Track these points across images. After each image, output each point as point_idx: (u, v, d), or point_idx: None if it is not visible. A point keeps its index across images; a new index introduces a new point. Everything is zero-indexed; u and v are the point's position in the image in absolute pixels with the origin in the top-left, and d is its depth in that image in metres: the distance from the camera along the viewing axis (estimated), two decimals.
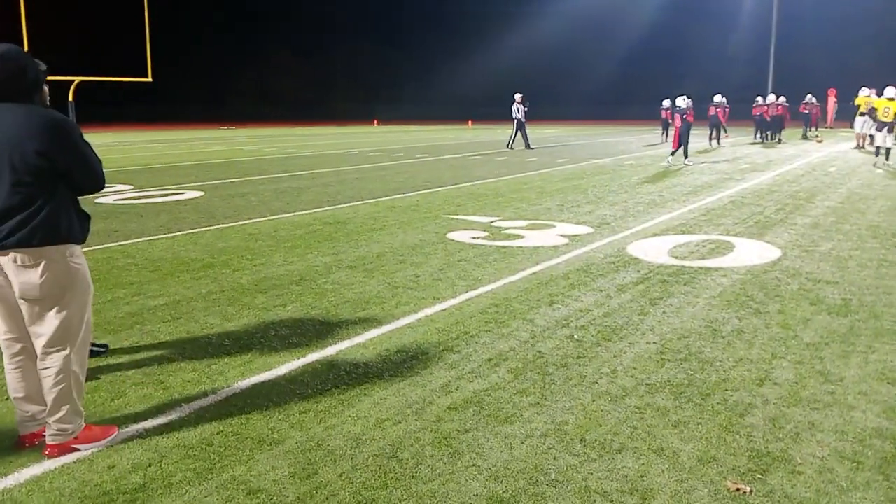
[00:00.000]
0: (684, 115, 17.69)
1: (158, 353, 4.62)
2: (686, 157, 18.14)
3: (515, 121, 25.18)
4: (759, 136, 28.65)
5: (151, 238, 8.58)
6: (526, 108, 25.26)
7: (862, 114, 23.24)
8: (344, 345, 4.72)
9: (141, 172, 17.33)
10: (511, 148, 24.69)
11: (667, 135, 29.30)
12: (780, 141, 28.02)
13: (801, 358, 4.44)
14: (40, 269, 3.14)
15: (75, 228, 3.26)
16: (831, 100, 38.34)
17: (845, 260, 7.13)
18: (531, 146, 24.97)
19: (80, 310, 3.29)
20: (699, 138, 28.77)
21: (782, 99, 29.17)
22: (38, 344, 3.22)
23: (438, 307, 5.58)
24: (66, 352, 3.23)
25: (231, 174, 16.57)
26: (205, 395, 3.94)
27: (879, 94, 21.08)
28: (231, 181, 15.10)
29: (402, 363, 4.39)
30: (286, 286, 6.24)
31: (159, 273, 6.79)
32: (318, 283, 6.33)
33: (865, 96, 23.57)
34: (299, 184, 14.47)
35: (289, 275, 6.66)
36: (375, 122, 56.51)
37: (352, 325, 5.12)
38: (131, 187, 14.08)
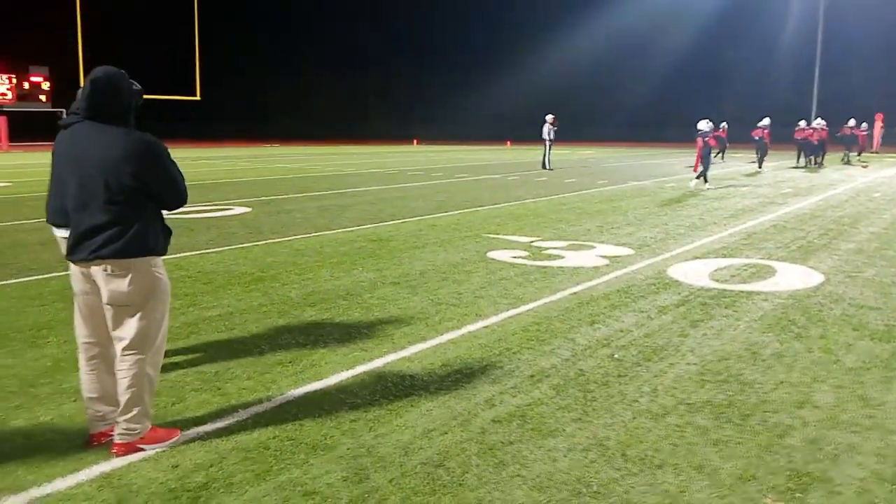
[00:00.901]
0: (706, 139, 17.47)
1: (215, 361, 4.84)
2: (698, 179, 17.64)
3: (547, 141, 25.39)
4: (801, 160, 28.32)
5: (202, 252, 8.89)
6: (556, 129, 25.46)
7: None
8: (390, 357, 4.89)
9: (189, 188, 17.81)
10: (550, 168, 24.77)
11: (720, 155, 29.05)
12: (821, 165, 27.68)
13: (842, 382, 4.48)
14: (129, 277, 3.39)
15: (160, 242, 3.55)
16: (878, 124, 37.75)
17: (889, 286, 7.10)
18: (549, 167, 24.98)
19: (160, 316, 3.53)
20: (739, 163, 28.56)
21: (823, 123, 28.82)
22: (119, 347, 3.45)
23: (481, 324, 5.72)
24: (143, 356, 3.46)
25: (276, 191, 16.98)
26: (260, 401, 4.13)
27: None
28: (276, 198, 15.48)
29: (447, 376, 4.53)
30: (333, 300, 6.45)
31: (212, 286, 7.05)
32: (364, 298, 6.52)
33: None
34: (342, 201, 14.78)
35: (335, 290, 6.87)
36: (415, 141, 57.06)
37: (397, 339, 5.29)
38: None
